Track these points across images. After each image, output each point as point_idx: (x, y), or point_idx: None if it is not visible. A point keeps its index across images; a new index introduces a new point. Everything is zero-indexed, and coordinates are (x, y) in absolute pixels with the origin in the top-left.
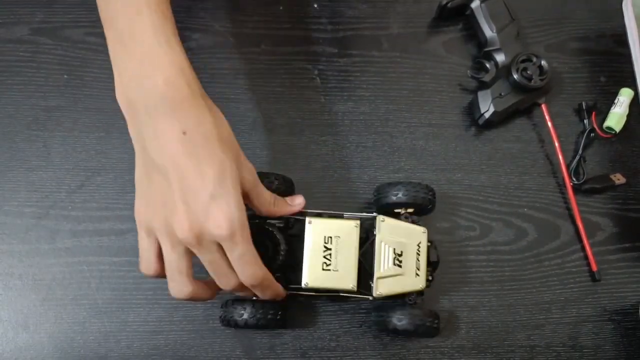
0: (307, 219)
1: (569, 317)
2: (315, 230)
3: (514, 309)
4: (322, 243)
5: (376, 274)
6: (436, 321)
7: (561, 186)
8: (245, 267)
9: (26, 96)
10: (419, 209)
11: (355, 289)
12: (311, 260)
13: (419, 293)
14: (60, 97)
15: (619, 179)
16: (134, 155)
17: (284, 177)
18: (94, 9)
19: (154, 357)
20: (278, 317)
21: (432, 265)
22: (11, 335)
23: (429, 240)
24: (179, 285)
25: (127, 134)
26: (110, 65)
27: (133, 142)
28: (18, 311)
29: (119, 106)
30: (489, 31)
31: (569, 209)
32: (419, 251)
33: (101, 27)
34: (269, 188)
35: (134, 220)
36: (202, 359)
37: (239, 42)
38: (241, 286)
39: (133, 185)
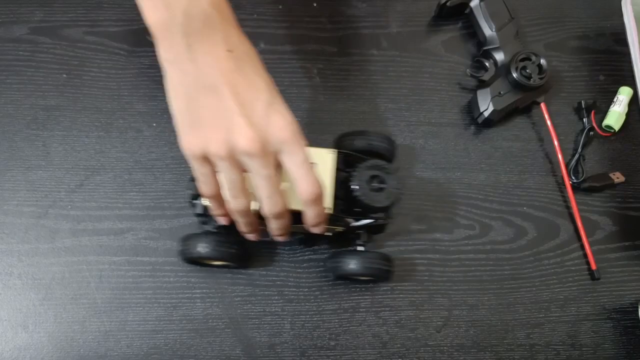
0: None
1: (569, 316)
2: None
3: (513, 308)
4: None
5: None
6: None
7: (560, 185)
8: (308, 174)
9: (25, 95)
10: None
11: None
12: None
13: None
14: (59, 96)
15: (618, 177)
16: (133, 154)
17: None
18: (93, 8)
19: (154, 356)
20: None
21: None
22: (10, 335)
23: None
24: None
25: (126, 133)
26: (109, 65)
27: (167, 69)
28: (17, 310)
29: (118, 105)
30: (488, 30)
31: (568, 207)
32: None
33: (100, 26)
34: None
35: (133, 220)
36: (202, 358)
37: None
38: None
39: (132, 185)
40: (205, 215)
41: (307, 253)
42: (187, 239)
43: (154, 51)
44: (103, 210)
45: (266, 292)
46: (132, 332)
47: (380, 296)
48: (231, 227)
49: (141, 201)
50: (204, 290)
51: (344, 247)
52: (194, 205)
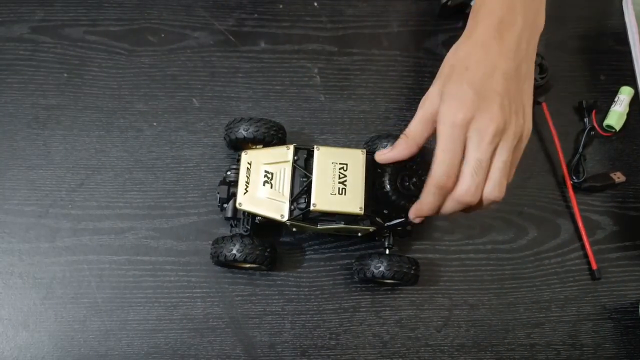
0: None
1: (569, 316)
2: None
3: (514, 308)
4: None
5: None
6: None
7: (561, 184)
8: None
9: (26, 95)
10: None
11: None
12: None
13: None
14: (60, 95)
15: (619, 177)
16: (133, 154)
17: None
18: (94, 7)
19: (154, 355)
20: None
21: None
22: (11, 334)
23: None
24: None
25: (126, 132)
26: (109, 64)
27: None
28: (18, 310)
29: (118, 105)
30: None
31: (569, 207)
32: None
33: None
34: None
35: (134, 219)
36: (202, 358)
37: (238, 41)
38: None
39: (133, 184)
40: (235, 218)
41: (307, 253)
42: (220, 242)
43: (154, 50)
44: (104, 210)
45: (267, 292)
46: (133, 331)
47: (380, 296)
48: (261, 229)
49: (142, 200)
50: (205, 290)
51: (367, 250)
52: (223, 209)
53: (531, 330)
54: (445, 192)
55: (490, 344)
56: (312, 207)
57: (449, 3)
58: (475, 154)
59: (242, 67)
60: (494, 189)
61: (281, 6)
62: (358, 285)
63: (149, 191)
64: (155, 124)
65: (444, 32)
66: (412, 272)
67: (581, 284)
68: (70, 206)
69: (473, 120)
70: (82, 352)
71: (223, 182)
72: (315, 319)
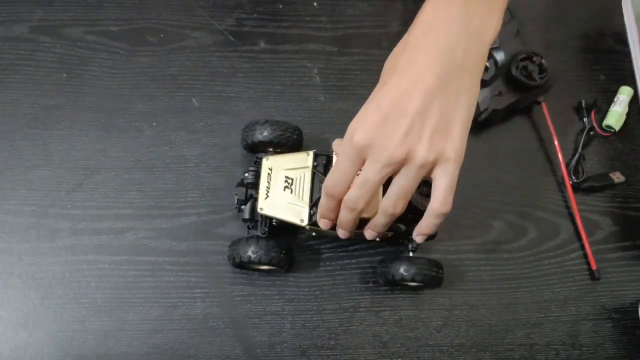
0: (335, 153)
1: (569, 316)
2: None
3: (513, 308)
4: None
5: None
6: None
7: (561, 185)
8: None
9: (25, 94)
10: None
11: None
12: None
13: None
14: (59, 95)
15: (618, 177)
16: (133, 154)
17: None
18: (93, 7)
19: (154, 355)
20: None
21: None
22: (11, 334)
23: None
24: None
25: (126, 132)
26: (109, 64)
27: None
28: (17, 310)
29: (118, 105)
30: None
31: (568, 207)
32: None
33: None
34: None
35: (133, 219)
36: (202, 358)
37: (238, 40)
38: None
39: (132, 184)
40: (252, 220)
41: (306, 253)
42: (237, 243)
43: (154, 50)
44: (103, 210)
45: (266, 292)
46: (132, 331)
47: (380, 296)
48: (278, 231)
49: (141, 201)
50: (204, 290)
51: (392, 254)
52: (241, 210)
53: (531, 330)
54: (336, 199)
55: (490, 344)
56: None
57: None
58: (364, 173)
59: (241, 67)
60: (388, 205)
61: (281, 6)
62: (357, 285)
63: (148, 191)
64: (154, 124)
65: None
66: (436, 274)
67: (581, 284)
68: (69, 206)
69: (370, 144)
70: (81, 352)
71: (241, 184)
72: (315, 319)
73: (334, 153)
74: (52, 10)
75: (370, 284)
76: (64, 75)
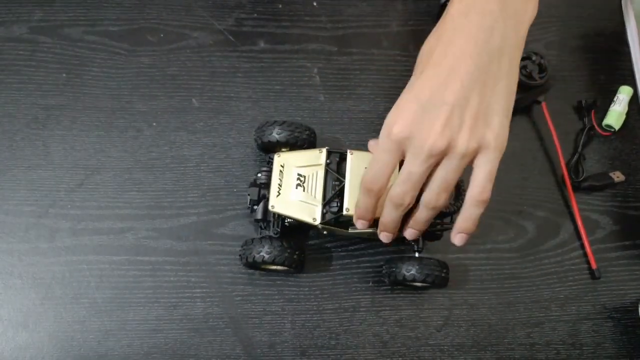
0: (349, 151)
1: (569, 315)
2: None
3: (513, 307)
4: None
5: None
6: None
7: (560, 184)
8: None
9: (25, 95)
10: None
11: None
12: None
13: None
14: (59, 95)
15: (618, 176)
16: (133, 154)
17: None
18: (93, 7)
19: (154, 355)
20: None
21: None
22: (11, 334)
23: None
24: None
25: (126, 132)
26: (109, 64)
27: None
28: (18, 310)
29: (117, 105)
30: None
31: (568, 206)
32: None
33: (100, 25)
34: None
35: (133, 219)
36: (202, 358)
37: (238, 40)
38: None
39: (132, 184)
40: (264, 220)
41: (307, 253)
42: (249, 243)
43: (154, 50)
44: (103, 210)
45: (266, 292)
46: (133, 331)
47: (380, 295)
48: (290, 232)
49: (141, 200)
50: (204, 290)
51: (398, 254)
52: (253, 211)
53: (531, 330)
54: (376, 195)
55: (490, 344)
56: (344, 212)
57: (448, 2)
58: (406, 166)
59: (241, 67)
60: (430, 197)
61: (280, 6)
62: (358, 285)
63: (148, 191)
64: (154, 124)
65: None
66: (443, 274)
67: (581, 283)
68: (69, 206)
69: (410, 135)
70: (81, 352)
71: (254, 184)
72: (315, 318)
73: (348, 151)
74: (52, 10)
75: (371, 284)
76: (64, 75)
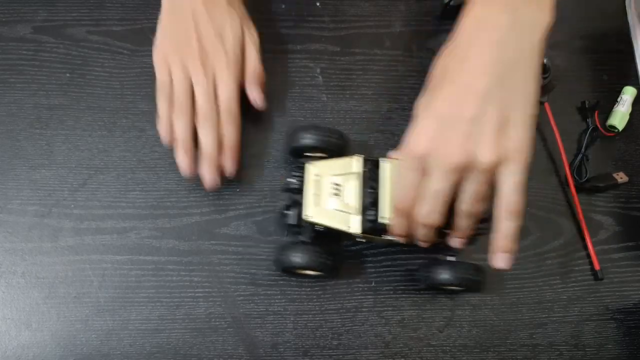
0: (381, 159)
1: (572, 316)
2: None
3: (516, 308)
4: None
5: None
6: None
7: (564, 185)
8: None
9: (29, 95)
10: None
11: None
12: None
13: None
14: (62, 95)
15: (621, 177)
16: (136, 153)
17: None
18: (96, 7)
19: (156, 355)
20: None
21: None
22: (14, 333)
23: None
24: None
25: (129, 132)
26: (112, 64)
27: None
28: (21, 309)
29: (121, 104)
30: None
31: (571, 207)
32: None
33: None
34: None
35: (136, 219)
36: (204, 358)
37: None
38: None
39: (136, 184)
40: (298, 226)
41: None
42: (285, 248)
43: None
44: (106, 209)
45: (269, 292)
46: (135, 331)
47: (382, 296)
48: (325, 237)
49: (144, 200)
50: (207, 290)
51: (433, 257)
52: (285, 216)
53: (533, 331)
54: (406, 214)
55: (493, 344)
56: (380, 220)
57: (451, 3)
58: (430, 184)
59: None
60: (464, 208)
61: (283, 6)
62: (360, 285)
63: (151, 191)
64: None
65: (446, 32)
66: (478, 278)
67: (584, 284)
68: (72, 206)
69: (431, 152)
70: (84, 352)
71: (286, 189)
72: (318, 319)
73: (381, 159)
74: (56, 10)
75: (373, 284)
76: (67, 75)
